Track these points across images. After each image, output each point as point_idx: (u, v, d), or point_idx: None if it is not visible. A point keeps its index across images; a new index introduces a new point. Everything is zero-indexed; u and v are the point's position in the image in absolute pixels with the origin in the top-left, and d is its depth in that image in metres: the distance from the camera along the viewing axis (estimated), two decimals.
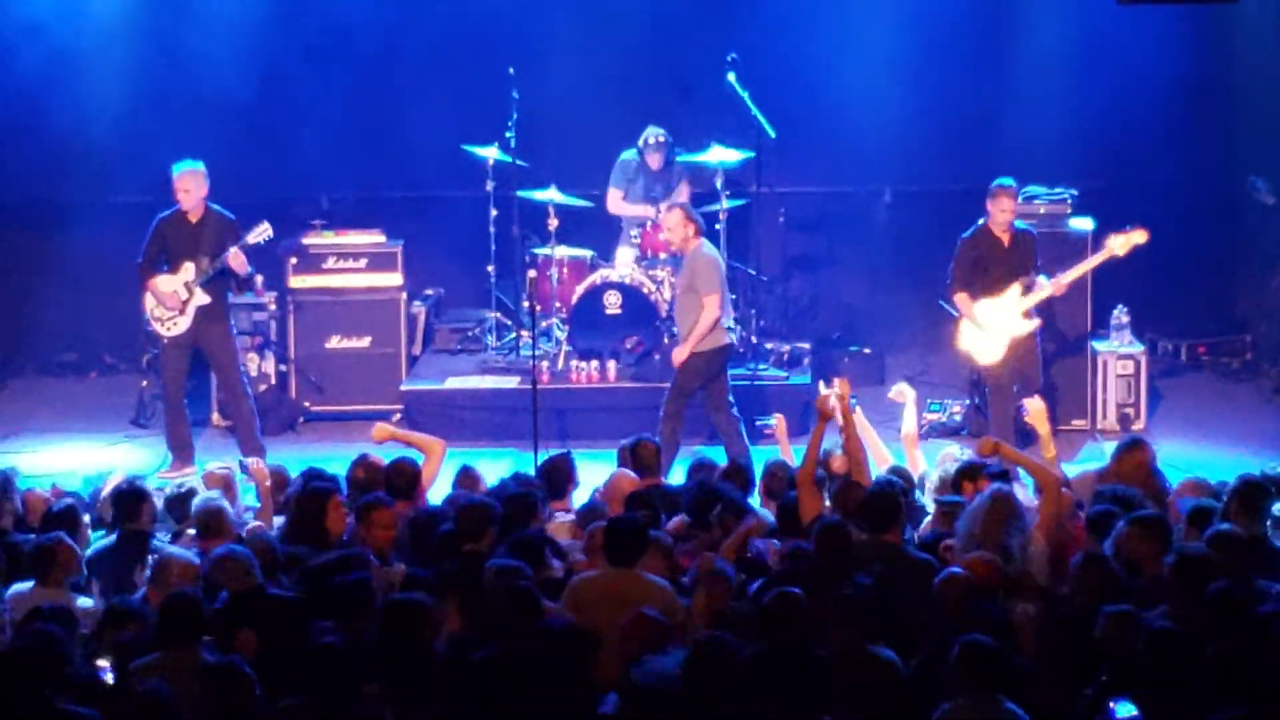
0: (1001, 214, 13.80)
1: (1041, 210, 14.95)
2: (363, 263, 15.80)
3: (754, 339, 15.67)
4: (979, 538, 9.23)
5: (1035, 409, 11.39)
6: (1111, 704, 7.76)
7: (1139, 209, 15.77)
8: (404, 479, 10.71)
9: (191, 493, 10.90)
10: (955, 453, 11.37)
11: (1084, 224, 14.74)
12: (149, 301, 14.14)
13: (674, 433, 13.44)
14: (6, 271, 16.95)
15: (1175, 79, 16.25)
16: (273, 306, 15.64)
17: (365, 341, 15.73)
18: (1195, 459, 13.77)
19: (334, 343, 15.71)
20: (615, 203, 15.87)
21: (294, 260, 15.73)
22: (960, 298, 13.92)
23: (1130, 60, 16.22)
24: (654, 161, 15.70)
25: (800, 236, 16.87)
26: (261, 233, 14.13)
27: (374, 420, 13.17)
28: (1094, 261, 13.85)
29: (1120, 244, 13.65)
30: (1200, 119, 16.50)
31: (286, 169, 16.55)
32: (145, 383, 15.67)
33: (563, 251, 15.47)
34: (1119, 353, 14.97)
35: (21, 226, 16.70)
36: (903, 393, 12.52)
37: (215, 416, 15.32)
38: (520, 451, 13.79)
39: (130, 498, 10.46)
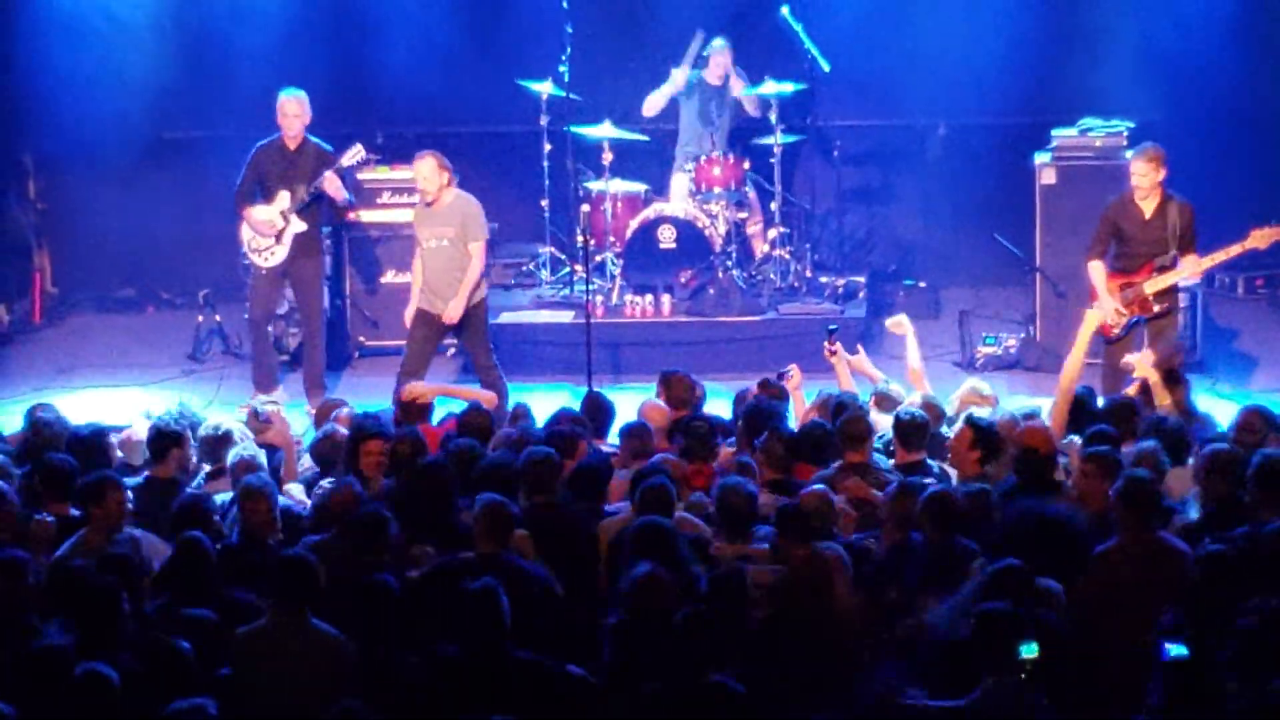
0: (1138, 180, 12.73)
1: (1098, 143, 14.82)
2: (417, 198, 15.78)
3: (809, 273, 15.66)
4: None
5: (1136, 360, 11.35)
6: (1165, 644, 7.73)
7: (1196, 142, 15.68)
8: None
9: (228, 436, 10.49)
10: (978, 386, 11.17)
11: None
12: (245, 232, 14.10)
13: (499, 379, 13.36)
14: (66, 208, 17.04)
15: (1234, 11, 16.09)
16: (328, 242, 15.68)
17: None
18: (1252, 391, 13.72)
19: (389, 278, 15.74)
20: (651, 99, 15.69)
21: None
22: (1092, 266, 12.81)
23: None
24: (717, 68, 15.52)
25: (855, 170, 16.81)
26: (355, 154, 14.13)
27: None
28: (1234, 250, 12.80)
29: (1264, 237, 12.75)
30: (1259, 51, 16.33)
31: (341, 104, 16.54)
32: (201, 318, 15.76)
33: (617, 186, 15.45)
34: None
35: (80, 164, 16.73)
36: (900, 324, 11.98)
37: None
38: (575, 386, 13.80)
39: (163, 440, 10.14)
